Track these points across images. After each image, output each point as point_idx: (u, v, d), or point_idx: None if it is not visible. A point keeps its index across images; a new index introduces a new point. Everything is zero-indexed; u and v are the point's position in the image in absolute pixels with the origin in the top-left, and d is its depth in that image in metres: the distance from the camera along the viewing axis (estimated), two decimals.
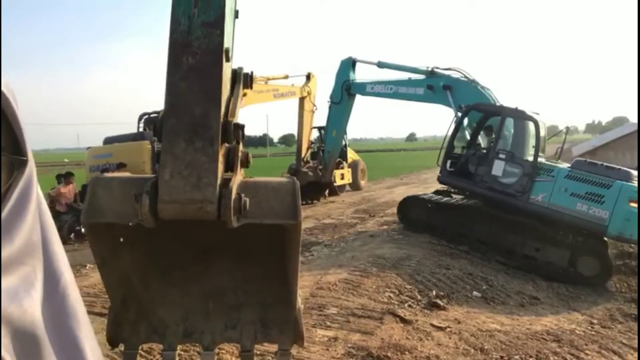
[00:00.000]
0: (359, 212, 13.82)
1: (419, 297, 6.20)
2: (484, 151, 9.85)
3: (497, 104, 10.22)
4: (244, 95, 12.29)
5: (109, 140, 12.99)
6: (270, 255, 2.75)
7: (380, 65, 12.12)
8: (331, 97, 13.10)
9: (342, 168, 18.90)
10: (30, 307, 0.66)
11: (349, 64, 12.69)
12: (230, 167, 2.73)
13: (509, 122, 9.56)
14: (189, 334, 3.26)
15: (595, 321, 6.41)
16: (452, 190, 10.94)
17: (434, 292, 6.43)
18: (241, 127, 2.72)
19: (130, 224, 2.49)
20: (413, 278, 6.92)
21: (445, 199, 10.77)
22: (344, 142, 20.92)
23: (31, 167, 0.68)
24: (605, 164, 9.16)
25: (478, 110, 10.16)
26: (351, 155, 21.16)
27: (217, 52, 2.58)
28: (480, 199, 10.00)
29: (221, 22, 2.61)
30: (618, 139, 20.85)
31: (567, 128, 10.40)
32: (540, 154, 9.34)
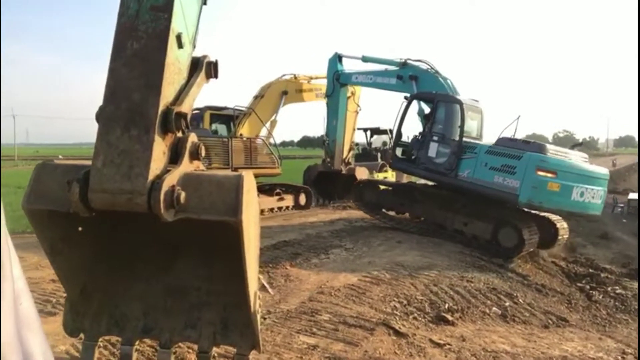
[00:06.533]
0: None
1: (428, 309, 5.81)
2: (424, 136, 10.71)
3: (454, 93, 10.86)
4: (285, 93, 12.27)
5: None
6: (237, 255, 2.56)
7: (364, 59, 13.42)
8: (326, 92, 14.68)
9: (386, 171, 18.52)
10: None
11: (336, 59, 14.17)
12: (177, 158, 2.56)
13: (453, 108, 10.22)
14: (149, 330, 3.15)
15: (629, 351, 5.72)
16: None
17: (447, 306, 6.01)
18: (184, 117, 2.54)
19: (71, 211, 2.39)
20: (428, 288, 6.51)
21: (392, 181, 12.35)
22: (388, 145, 20.52)
23: None
24: (524, 139, 9.85)
25: (418, 98, 11.26)
26: None
27: (163, 37, 2.42)
28: (425, 179, 11.28)
29: (170, 6, 2.45)
30: None
31: (519, 116, 10.87)
32: (475, 135, 10.36)
